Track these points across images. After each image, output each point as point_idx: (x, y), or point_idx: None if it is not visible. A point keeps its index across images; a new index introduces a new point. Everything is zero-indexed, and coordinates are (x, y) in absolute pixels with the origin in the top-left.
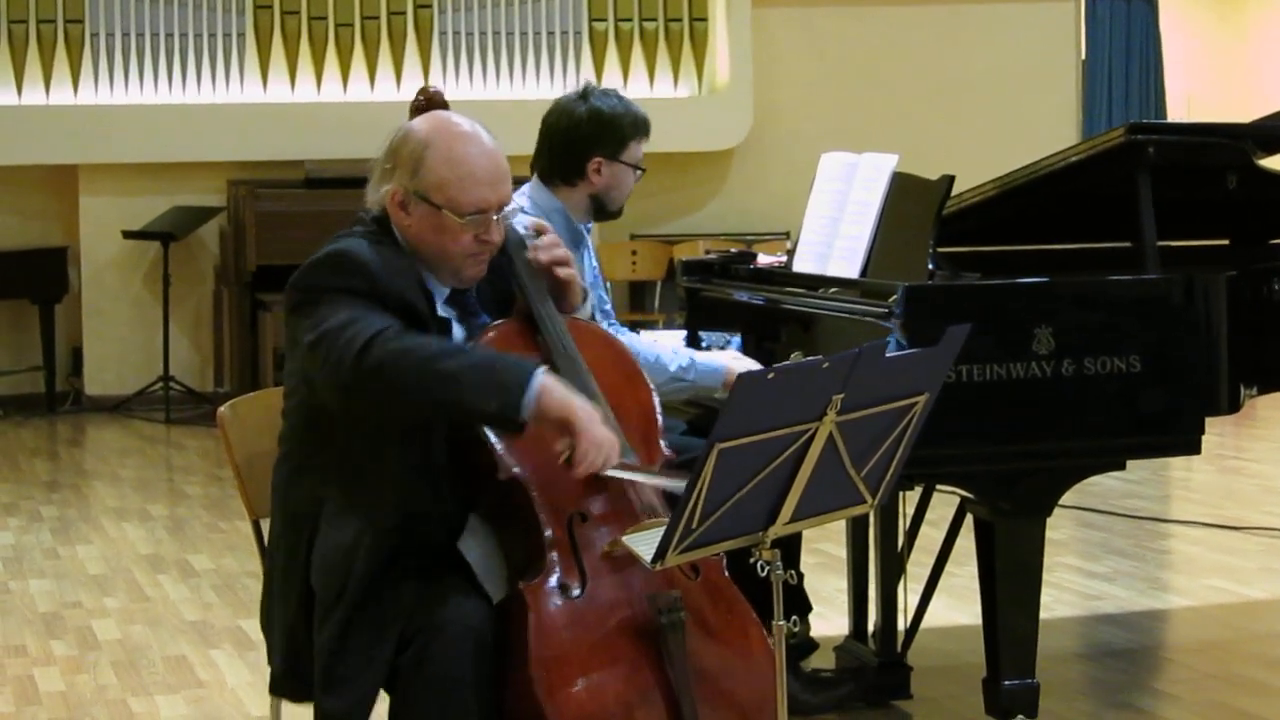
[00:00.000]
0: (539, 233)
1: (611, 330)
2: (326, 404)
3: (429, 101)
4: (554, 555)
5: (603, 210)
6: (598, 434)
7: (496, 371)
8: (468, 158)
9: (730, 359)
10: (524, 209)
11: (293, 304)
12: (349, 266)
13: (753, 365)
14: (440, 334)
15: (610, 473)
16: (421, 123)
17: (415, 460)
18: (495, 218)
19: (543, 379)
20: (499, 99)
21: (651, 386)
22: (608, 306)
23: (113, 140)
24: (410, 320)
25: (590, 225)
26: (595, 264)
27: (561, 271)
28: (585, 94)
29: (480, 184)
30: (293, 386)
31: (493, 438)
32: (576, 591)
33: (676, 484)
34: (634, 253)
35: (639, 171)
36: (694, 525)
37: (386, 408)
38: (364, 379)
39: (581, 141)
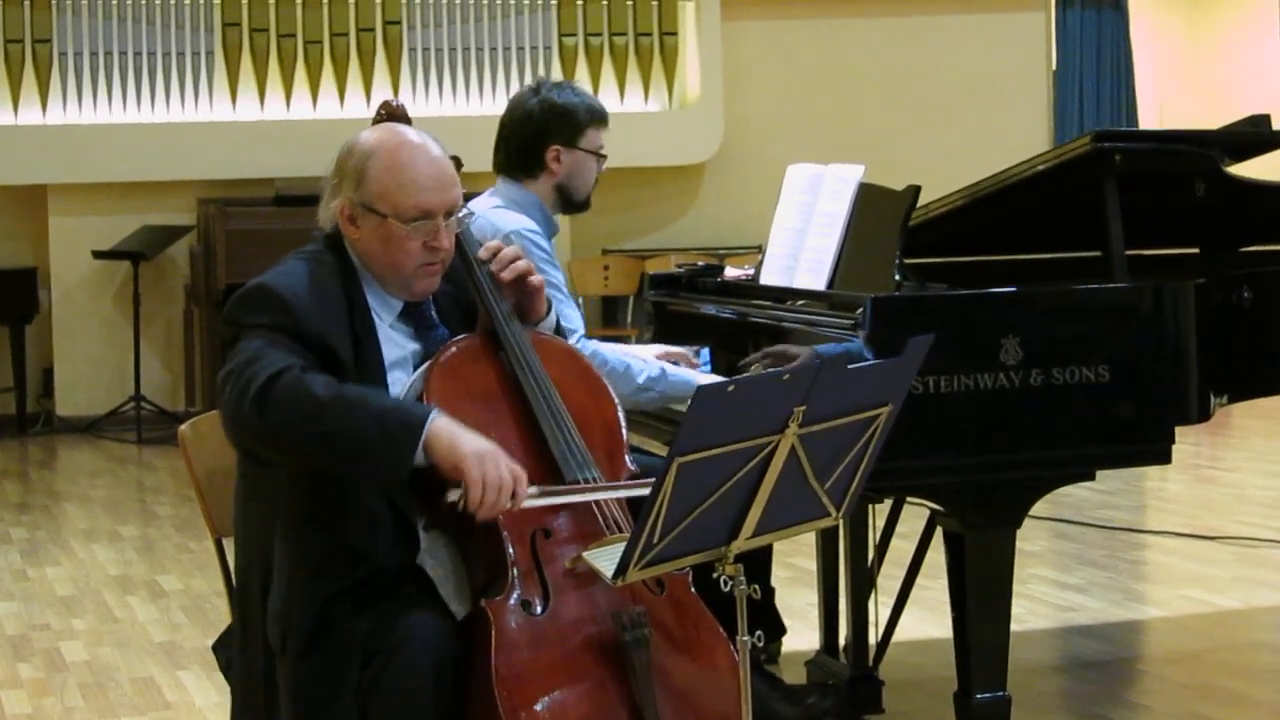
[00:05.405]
0: (494, 253)
1: (580, 341)
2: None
3: (390, 115)
4: (516, 572)
5: (570, 201)
6: (490, 477)
7: (383, 430)
8: (410, 164)
9: (702, 378)
10: (498, 206)
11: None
12: (267, 301)
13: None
14: (361, 372)
15: (528, 503)
16: (367, 134)
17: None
18: (444, 224)
19: (429, 431)
20: (469, 115)
21: (617, 402)
22: (569, 310)
23: (82, 160)
24: (327, 364)
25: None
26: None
27: (532, 280)
28: (538, 88)
29: (423, 189)
30: None
31: None
32: (539, 608)
33: (604, 495)
34: (606, 268)
35: (601, 159)
36: (655, 540)
37: (278, 454)
38: (256, 427)
39: (536, 132)
